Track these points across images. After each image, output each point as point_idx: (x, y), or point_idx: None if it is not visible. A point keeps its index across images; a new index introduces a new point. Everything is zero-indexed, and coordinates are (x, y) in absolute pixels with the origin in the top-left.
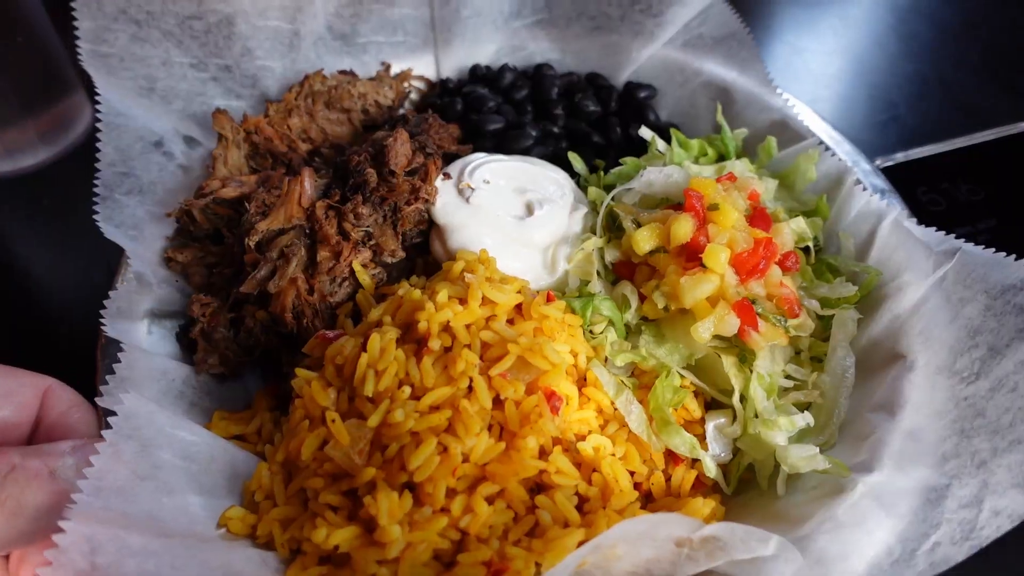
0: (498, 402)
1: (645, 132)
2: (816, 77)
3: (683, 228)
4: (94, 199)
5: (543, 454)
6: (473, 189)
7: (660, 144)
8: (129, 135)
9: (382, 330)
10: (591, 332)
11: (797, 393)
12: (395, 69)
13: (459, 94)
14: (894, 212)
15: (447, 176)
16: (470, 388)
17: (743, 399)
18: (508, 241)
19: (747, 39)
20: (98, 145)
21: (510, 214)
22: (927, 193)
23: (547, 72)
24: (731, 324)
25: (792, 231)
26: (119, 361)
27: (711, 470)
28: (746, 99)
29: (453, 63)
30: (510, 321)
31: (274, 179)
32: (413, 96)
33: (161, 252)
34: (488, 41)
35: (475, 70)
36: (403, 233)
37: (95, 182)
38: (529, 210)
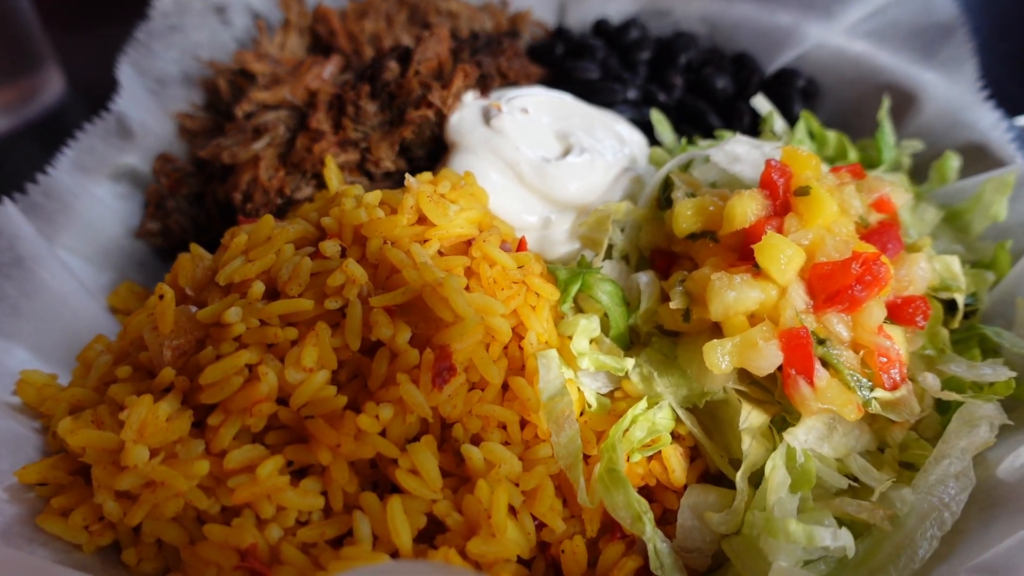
0: (375, 347)
1: (761, 103)
2: None
3: (742, 207)
4: (129, 42)
5: (405, 439)
6: (500, 111)
7: (778, 123)
8: None
9: (290, 221)
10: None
11: (851, 503)
12: (515, 7)
13: (572, 42)
14: None
15: (484, 95)
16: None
17: (757, 480)
18: (521, 186)
19: (961, 32)
20: None
21: (537, 151)
22: None
23: (683, 38)
24: (767, 356)
25: (932, 270)
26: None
27: (664, 567)
28: (939, 110)
29: (580, 14)
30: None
31: (305, 65)
32: (523, 43)
33: (175, 115)
34: None
35: (600, 25)
36: (403, 144)
37: (138, 29)
38: (565, 152)
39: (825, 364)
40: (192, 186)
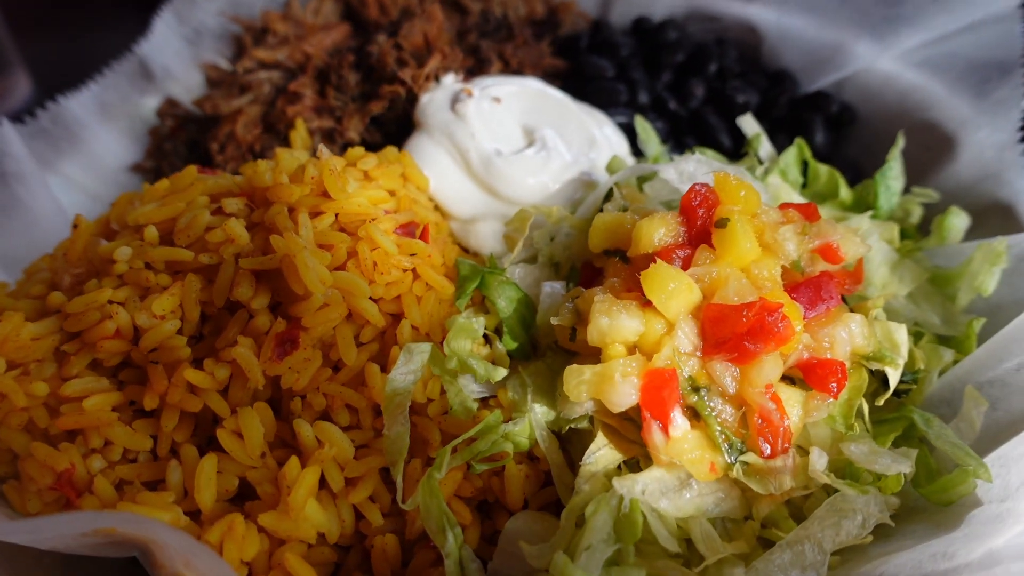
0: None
1: (748, 124)
2: None
3: (650, 229)
4: None
5: (237, 401)
6: (470, 95)
7: (764, 147)
8: None
9: (218, 175)
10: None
11: (675, 568)
12: None
13: (598, 37)
14: None
15: (465, 79)
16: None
17: (579, 525)
18: (468, 175)
19: (1018, 73)
20: None
21: (493, 143)
22: None
23: (721, 46)
24: (620, 393)
25: (871, 336)
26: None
27: None
28: (974, 158)
29: (626, 8)
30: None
31: (313, 29)
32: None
33: (202, 65)
34: None
35: (640, 22)
36: (378, 118)
37: None
38: (526, 140)
39: (698, 415)
40: (192, 132)
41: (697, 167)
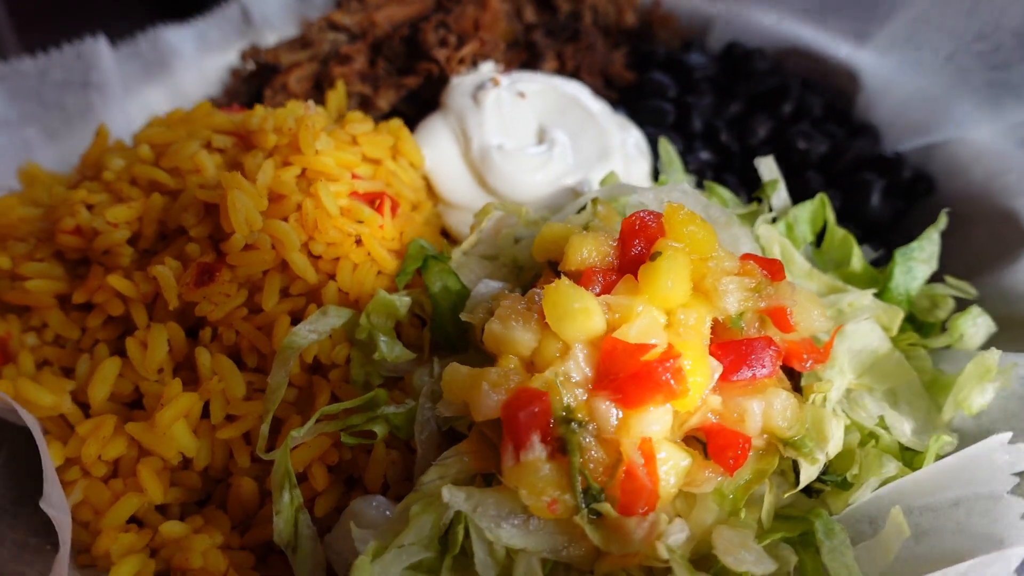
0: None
1: (767, 166)
2: None
3: (579, 246)
4: None
5: (159, 318)
6: (496, 85)
7: (780, 195)
8: None
9: (233, 114)
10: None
11: None
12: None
13: (675, 55)
14: None
15: (507, 71)
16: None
17: None
18: (463, 162)
19: None
20: None
21: (503, 136)
22: None
23: (802, 88)
24: (484, 403)
25: (782, 415)
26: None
27: (298, 550)
28: None
29: (725, 34)
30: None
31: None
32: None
33: (306, 14)
34: (777, 28)
35: (731, 47)
36: (414, 93)
37: None
38: (538, 140)
39: (565, 449)
40: (265, 79)
41: (681, 198)
